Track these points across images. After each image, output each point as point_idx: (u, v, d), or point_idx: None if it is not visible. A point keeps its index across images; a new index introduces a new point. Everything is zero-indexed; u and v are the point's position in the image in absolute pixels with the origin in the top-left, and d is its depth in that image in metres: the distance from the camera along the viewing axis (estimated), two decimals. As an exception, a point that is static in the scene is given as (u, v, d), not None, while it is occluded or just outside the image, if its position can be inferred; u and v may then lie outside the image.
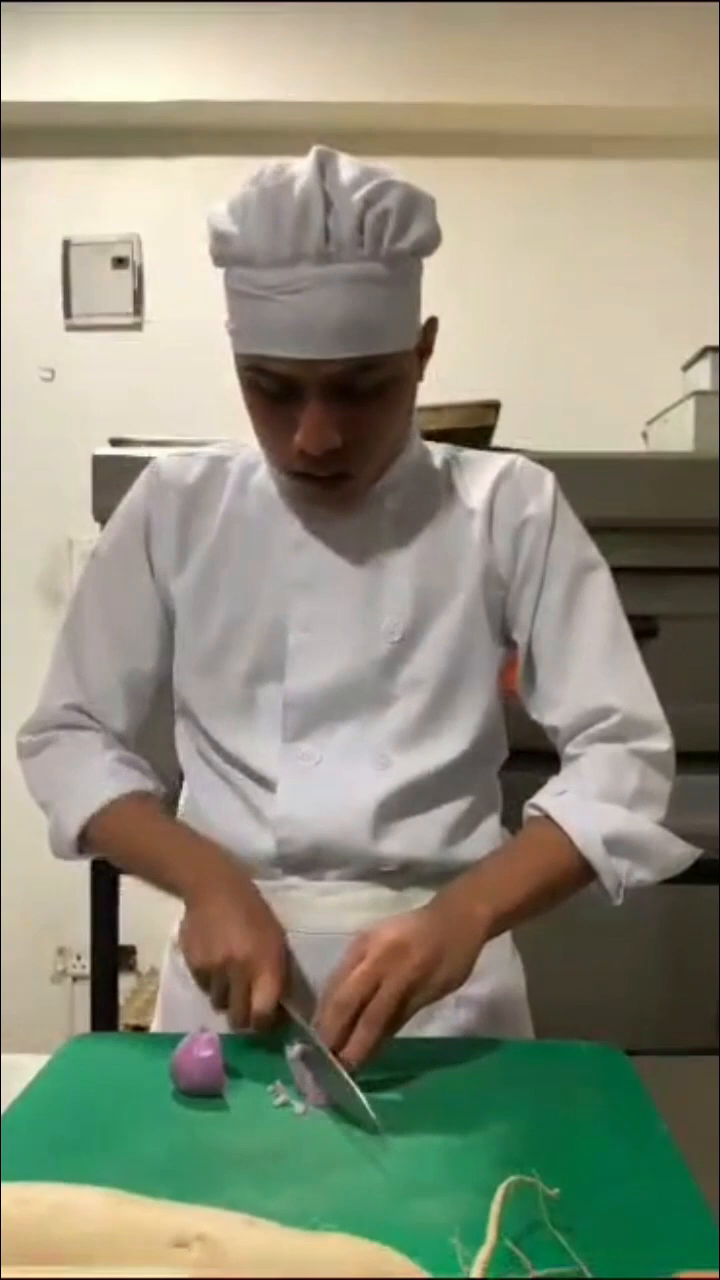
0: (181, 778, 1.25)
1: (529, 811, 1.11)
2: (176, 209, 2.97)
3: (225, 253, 1.01)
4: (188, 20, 2.79)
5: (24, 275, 2.99)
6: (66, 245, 3.00)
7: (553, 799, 1.09)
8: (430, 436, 1.22)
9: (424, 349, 1.08)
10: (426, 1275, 0.58)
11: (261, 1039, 0.98)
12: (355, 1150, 0.82)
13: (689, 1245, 0.62)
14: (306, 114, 2.82)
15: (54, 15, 2.78)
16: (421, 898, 1.09)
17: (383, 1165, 0.79)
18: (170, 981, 1.20)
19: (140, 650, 1.18)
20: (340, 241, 0.96)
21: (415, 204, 1.00)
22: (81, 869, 1.83)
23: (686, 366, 2.18)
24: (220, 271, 1.04)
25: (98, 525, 1.77)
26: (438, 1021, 1.08)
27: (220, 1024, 1.06)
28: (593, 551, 1.17)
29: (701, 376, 2.08)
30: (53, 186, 2.99)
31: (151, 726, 1.23)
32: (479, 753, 1.15)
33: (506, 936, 1.17)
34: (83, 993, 2.83)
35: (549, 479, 1.17)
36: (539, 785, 1.15)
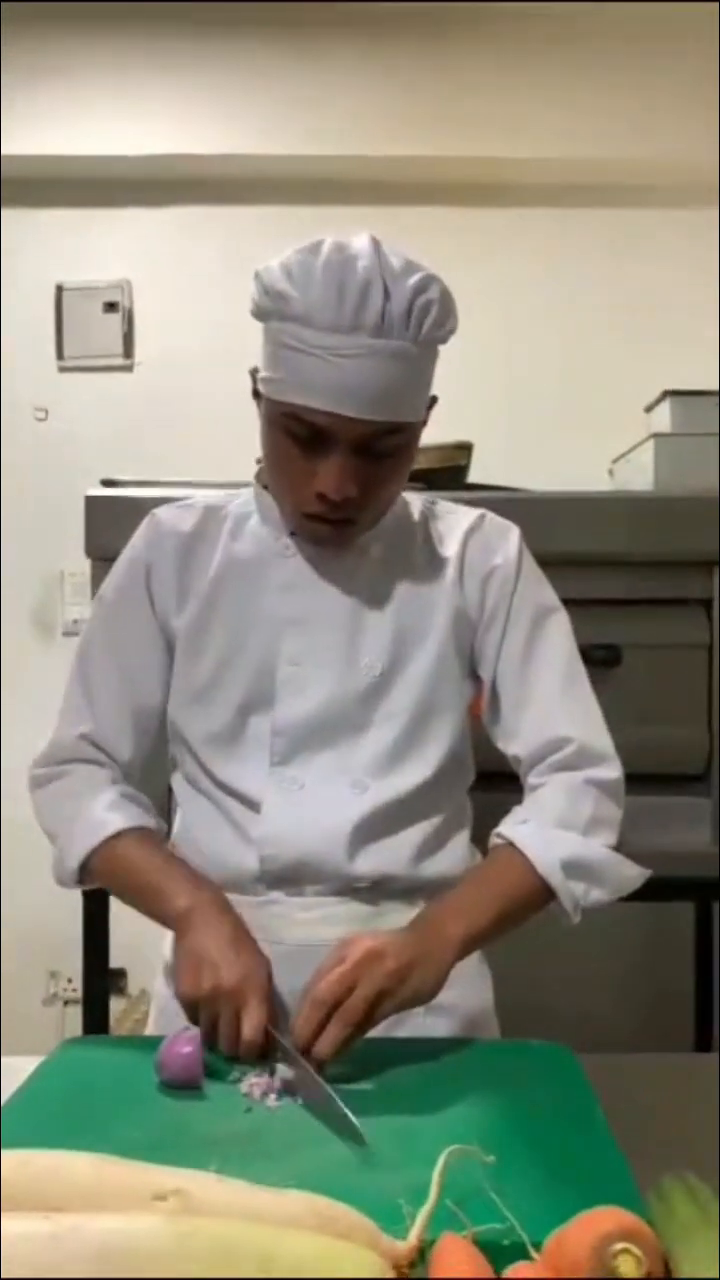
0: (167, 803, 1.33)
1: (494, 840, 1.19)
2: (165, 255, 3.07)
3: (278, 309, 1.10)
4: (174, 78, 2.88)
5: (18, 318, 3.06)
6: (59, 290, 3.06)
7: (516, 828, 1.17)
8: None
9: (424, 422, 1.19)
10: (373, 1224, 0.67)
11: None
12: (321, 1134, 0.89)
13: (610, 1199, 0.70)
14: (287, 166, 2.92)
15: (48, 73, 2.87)
16: (394, 911, 1.18)
17: (345, 1144, 0.87)
18: (165, 992, 1.27)
19: (146, 687, 1.26)
20: (392, 321, 1.08)
21: (449, 299, 1.13)
22: (73, 892, 1.88)
23: (649, 408, 2.24)
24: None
25: (89, 561, 1.87)
26: (408, 1025, 1.14)
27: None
28: (552, 597, 1.27)
29: (662, 419, 2.14)
30: (46, 234, 3.06)
31: (155, 756, 1.30)
32: (448, 776, 1.24)
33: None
34: (74, 1016, 2.89)
35: (514, 533, 1.28)
36: (504, 804, 1.23)
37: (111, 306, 3.06)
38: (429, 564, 1.25)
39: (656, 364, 2.51)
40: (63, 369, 3.10)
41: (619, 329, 2.94)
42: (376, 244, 1.10)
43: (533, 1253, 0.67)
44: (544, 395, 2.95)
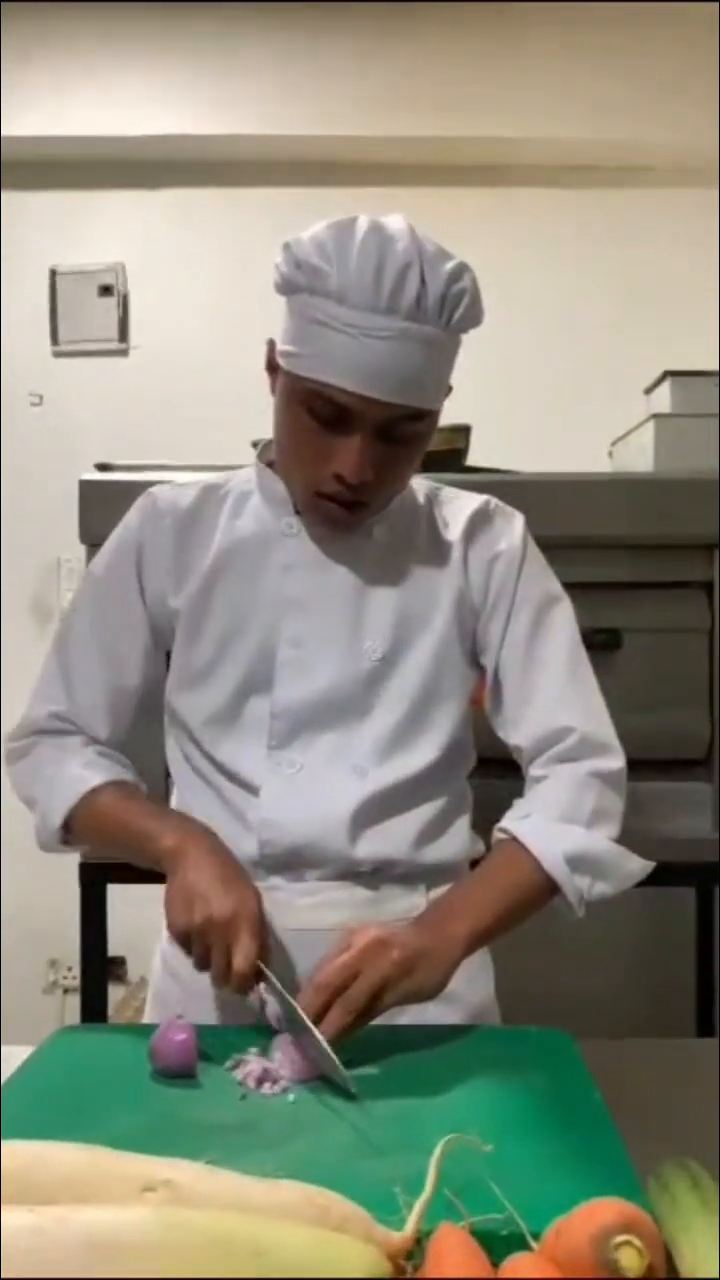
0: (163, 788, 1.32)
1: (497, 835, 1.18)
2: (160, 238, 3.05)
3: (310, 284, 1.08)
4: (169, 59, 2.86)
5: (13, 304, 3.04)
6: (53, 274, 3.04)
7: (519, 823, 1.16)
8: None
9: (439, 412, 1.17)
10: (368, 1215, 0.65)
11: (234, 1023, 1.05)
12: (317, 1121, 0.88)
13: (610, 1188, 0.69)
14: (282, 147, 2.90)
15: (42, 56, 2.85)
16: (395, 896, 1.18)
17: (341, 1132, 0.86)
18: (161, 979, 1.26)
19: (126, 668, 1.24)
20: (427, 306, 1.07)
21: (478, 290, 1.12)
22: (72, 881, 1.88)
23: (648, 390, 2.22)
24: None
25: (84, 546, 1.85)
26: (411, 1013, 1.12)
27: (200, 1013, 1.13)
28: (556, 586, 1.25)
29: (662, 400, 2.12)
30: (40, 218, 3.04)
31: (131, 739, 1.28)
32: (448, 762, 1.23)
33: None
34: (73, 1004, 2.87)
35: (519, 520, 1.26)
36: (505, 790, 1.22)
37: (106, 290, 3.05)
38: (433, 548, 1.24)
39: (656, 345, 2.50)
40: (57, 354, 3.08)
41: (618, 310, 2.93)
42: (412, 227, 1.09)
43: (531, 1243, 0.66)
44: (543, 377, 2.93)
